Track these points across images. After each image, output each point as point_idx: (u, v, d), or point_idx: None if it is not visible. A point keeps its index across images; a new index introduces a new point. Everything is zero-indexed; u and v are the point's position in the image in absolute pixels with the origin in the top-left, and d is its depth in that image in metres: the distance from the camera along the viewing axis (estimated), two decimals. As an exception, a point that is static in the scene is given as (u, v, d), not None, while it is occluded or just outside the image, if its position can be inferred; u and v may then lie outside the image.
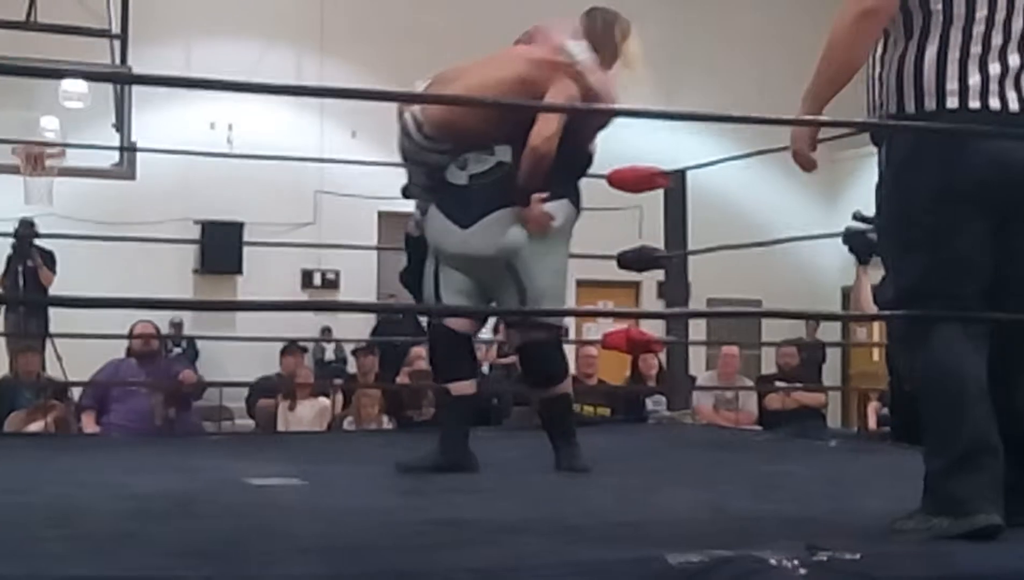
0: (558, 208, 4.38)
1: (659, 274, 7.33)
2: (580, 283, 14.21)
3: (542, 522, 3.17)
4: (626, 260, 6.57)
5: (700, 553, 2.43)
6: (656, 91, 14.27)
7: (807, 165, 3.07)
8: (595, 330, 10.93)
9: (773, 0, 15.45)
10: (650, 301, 13.23)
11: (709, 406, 9.30)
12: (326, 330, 12.97)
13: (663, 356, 7.93)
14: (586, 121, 4.45)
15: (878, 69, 3.03)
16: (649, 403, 8.85)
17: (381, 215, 13.06)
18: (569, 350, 12.04)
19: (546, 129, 4.20)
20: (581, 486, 4.15)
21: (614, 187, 6.19)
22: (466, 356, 4.60)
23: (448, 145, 4.41)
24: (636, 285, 13.50)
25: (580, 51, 4.39)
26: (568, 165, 4.38)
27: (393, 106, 4.69)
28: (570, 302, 14.16)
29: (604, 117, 4.52)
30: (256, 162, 10.22)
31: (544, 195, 4.28)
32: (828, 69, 2.98)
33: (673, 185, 6.62)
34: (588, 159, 4.61)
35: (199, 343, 12.13)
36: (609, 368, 10.21)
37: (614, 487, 4.09)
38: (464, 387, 4.49)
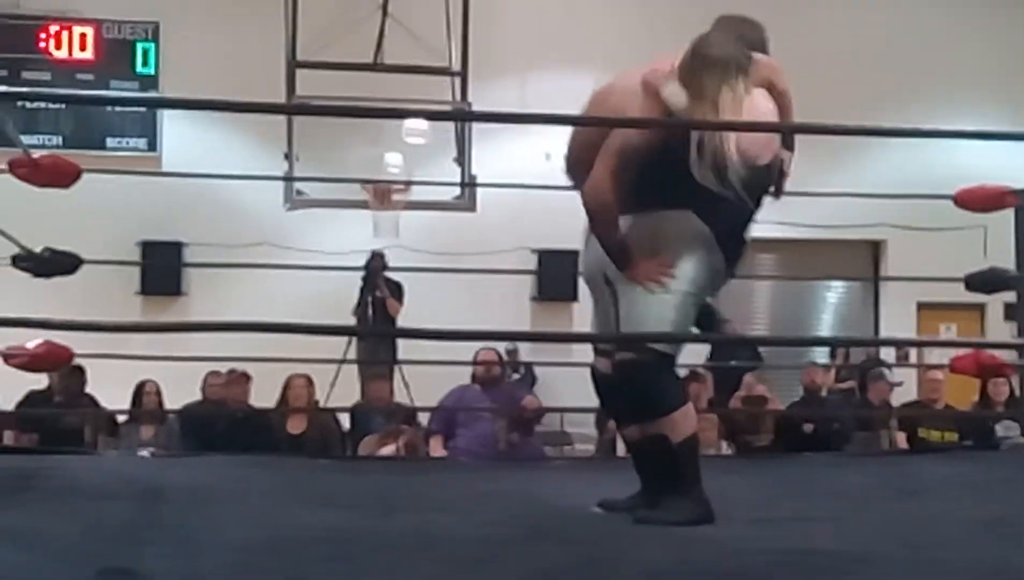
0: (667, 219, 3.76)
1: (1005, 294, 7.02)
2: (921, 306, 13.74)
3: (897, 553, 3.09)
4: (974, 282, 6.34)
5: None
6: (997, 104, 13.63)
7: None
8: (940, 353, 10.53)
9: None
10: (996, 324, 12.66)
11: (1066, 432, 8.83)
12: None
13: (1015, 380, 7.59)
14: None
15: None
16: (999, 429, 8.50)
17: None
18: (912, 374, 11.74)
19: (591, 185, 3.76)
20: (934, 516, 4.02)
21: (961, 207, 6.01)
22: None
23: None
24: (981, 307, 12.92)
25: (676, 98, 3.72)
26: (689, 178, 3.66)
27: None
28: (910, 326, 13.78)
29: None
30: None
31: (664, 260, 3.73)
32: None
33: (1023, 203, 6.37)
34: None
35: (537, 368, 12.36)
36: (957, 392, 9.84)
37: (969, 517, 3.93)
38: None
